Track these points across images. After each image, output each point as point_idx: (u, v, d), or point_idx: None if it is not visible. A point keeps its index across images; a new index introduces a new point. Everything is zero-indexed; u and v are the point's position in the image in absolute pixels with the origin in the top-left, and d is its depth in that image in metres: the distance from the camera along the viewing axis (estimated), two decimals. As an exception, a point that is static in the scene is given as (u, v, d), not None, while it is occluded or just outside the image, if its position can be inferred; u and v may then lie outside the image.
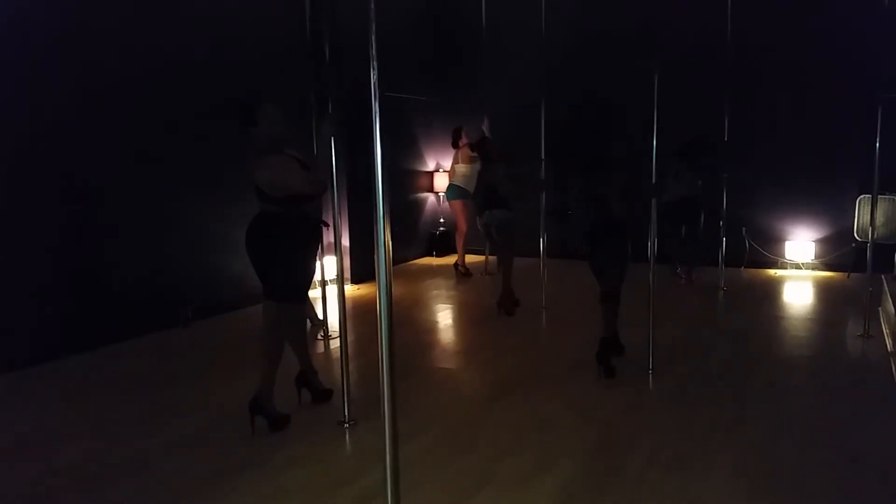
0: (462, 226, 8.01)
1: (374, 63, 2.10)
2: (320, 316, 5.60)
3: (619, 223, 4.46)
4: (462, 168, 7.93)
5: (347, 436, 3.67)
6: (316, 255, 4.01)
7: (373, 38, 2.09)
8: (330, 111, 3.84)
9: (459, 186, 7.87)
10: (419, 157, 9.26)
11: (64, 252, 5.14)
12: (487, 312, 6.17)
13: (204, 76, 5.94)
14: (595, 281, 4.58)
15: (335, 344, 5.30)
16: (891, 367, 4.50)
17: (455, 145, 8.09)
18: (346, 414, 3.78)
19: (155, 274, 5.73)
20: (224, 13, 6.17)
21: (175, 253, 5.90)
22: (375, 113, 2.12)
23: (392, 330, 2.17)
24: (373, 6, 2.08)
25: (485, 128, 7.32)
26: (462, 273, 7.99)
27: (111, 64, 5.31)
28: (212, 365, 4.96)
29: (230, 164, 6.17)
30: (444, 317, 6.43)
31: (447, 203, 8.40)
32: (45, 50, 4.92)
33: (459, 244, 8.11)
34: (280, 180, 3.61)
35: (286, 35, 5.85)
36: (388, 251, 2.15)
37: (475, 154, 7.22)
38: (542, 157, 6.16)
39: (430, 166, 9.44)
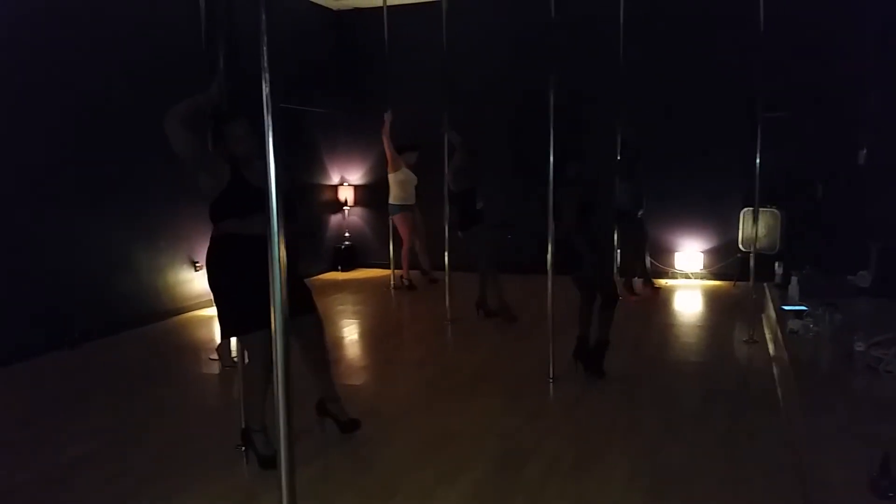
0: (406, 240, 7.98)
1: (266, 75, 2.05)
2: (218, 340, 5.39)
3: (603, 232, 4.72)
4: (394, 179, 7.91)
5: (244, 460, 3.54)
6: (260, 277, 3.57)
7: (264, 48, 2.04)
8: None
9: (396, 204, 7.87)
10: (323, 171, 9.14)
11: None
12: (394, 327, 6.14)
13: (94, 85, 5.67)
14: (577, 293, 4.77)
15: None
16: (773, 371, 4.78)
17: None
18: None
19: (36, 291, 5.36)
20: (117, 21, 5.92)
21: (60, 268, 5.52)
22: (268, 126, 2.07)
23: (288, 349, 2.12)
24: (264, 17, 2.03)
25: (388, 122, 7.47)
26: (406, 286, 7.92)
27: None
28: (96, 390, 4.67)
29: (125, 174, 5.94)
30: (350, 332, 6.35)
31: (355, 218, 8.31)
32: None
33: (405, 258, 8.04)
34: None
35: (183, 45, 5.64)
36: (283, 269, 2.09)
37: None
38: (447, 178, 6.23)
39: (335, 180, 9.34)
